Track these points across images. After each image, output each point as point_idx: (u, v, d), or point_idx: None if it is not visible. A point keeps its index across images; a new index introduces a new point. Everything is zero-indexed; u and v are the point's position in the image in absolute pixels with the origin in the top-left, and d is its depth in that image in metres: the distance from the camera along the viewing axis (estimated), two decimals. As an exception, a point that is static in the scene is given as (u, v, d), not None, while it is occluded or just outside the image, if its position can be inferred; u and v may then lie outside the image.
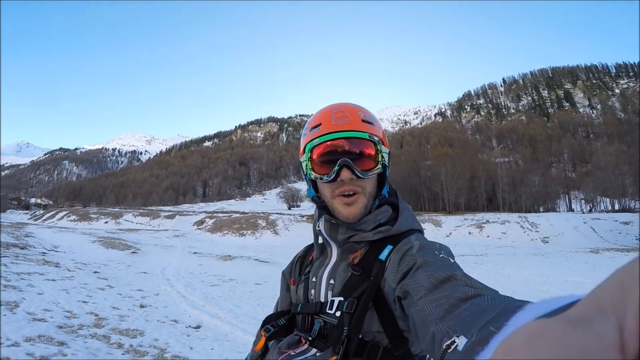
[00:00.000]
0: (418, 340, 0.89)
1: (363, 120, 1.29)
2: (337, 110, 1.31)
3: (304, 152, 1.33)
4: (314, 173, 1.29)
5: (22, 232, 28.35)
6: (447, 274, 0.93)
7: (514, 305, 0.65)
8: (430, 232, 44.69)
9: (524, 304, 0.60)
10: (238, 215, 63.00)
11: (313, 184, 1.36)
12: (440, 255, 1.06)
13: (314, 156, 1.29)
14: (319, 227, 1.35)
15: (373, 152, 1.27)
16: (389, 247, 1.22)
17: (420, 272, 1.00)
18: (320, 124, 1.30)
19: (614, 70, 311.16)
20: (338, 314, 1.15)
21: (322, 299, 1.26)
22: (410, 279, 1.01)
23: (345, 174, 1.22)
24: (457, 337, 0.66)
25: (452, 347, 0.66)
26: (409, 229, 1.30)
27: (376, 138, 1.28)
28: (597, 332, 0.25)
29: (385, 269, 1.16)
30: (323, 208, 1.35)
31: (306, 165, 1.32)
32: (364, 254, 1.25)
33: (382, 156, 1.29)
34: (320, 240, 1.37)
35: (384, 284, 1.14)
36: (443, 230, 49.13)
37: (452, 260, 1.06)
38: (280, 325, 1.34)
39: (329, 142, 1.26)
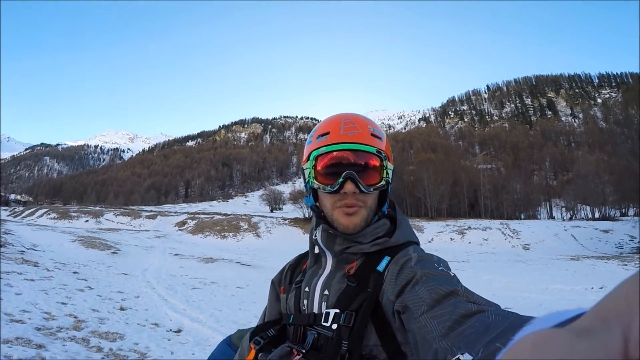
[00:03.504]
0: (419, 356, 0.87)
1: (372, 134, 1.27)
2: (347, 121, 1.29)
3: (308, 159, 1.31)
4: (316, 182, 1.27)
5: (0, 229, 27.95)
6: (448, 289, 0.91)
7: (520, 321, 0.64)
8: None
9: (529, 319, 0.59)
10: (220, 217, 62.80)
11: (313, 192, 1.34)
12: (440, 268, 1.05)
13: (319, 165, 1.27)
14: (315, 236, 1.33)
15: (378, 168, 1.26)
16: (386, 259, 1.20)
17: (421, 286, 0.98)
18: (328, 133, 1.28)
19: (597, 80, 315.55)
20: (334, 326, 1.13)
21: (316, 310, 1.24)
22: (410, 293, 0.99)
23: (349, 186, 1.21)
24: (462, 354, 0.65)
25: None
26: (407, 240, 1.28)
27: (383, 154, 1.27)
28: (602, 342, 0.25)
29: (384, 281, 1.14)
30: (321, 217, 1.33)
31: (309, 173, 1.29)
32: (360, 265, 1.23)
33: (387, 172, 1.28)
34: (317, 250, 1.35)
35: (382, 296, 1.11)
36: (425, 235, 49.28)
37: (452, 274, 1.04)
38: (269, 337, 1.32)
39: (335, 153, 1.24)
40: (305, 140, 1.39)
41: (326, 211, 1.30)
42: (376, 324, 1.10)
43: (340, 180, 1.21)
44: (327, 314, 1.17)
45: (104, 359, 5.58)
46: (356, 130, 1.26)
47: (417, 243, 1.32)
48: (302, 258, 1.52)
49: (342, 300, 1.17)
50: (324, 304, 1.22)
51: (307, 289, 1.31)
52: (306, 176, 1.32)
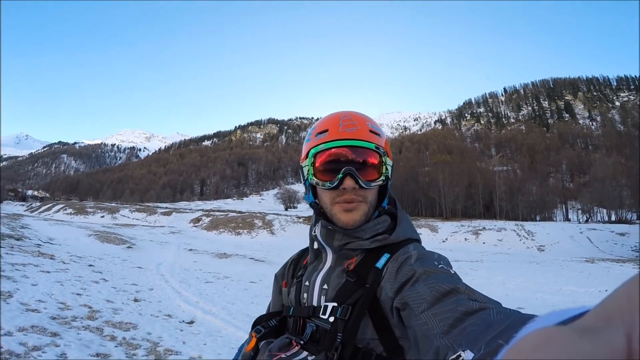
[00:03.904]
0: (419, 354, 0.87)
1: (370, 131, 1.27)
2: (346, 118, 1.28)
3: (307, 157, 1.30)
4: (315, 179, 1.27)
5: (17, 223, 28.33)
6: (449, 286, 0.90)
7: (522, 319, 0.64)
8: (427, 238, 44.61)
9: (531, 317, 0.59)
10: (235, 214, 63.24)
11: (312, 189, 1.34)
12: (440, 266, 1.04)
13: (317, 162, 1.26)
14: (315, 232, 1.33)
15: (377, 164, 1.26)
16: (386, 256, 1.19)
17: (421, 283, 0.97)
18: (326, 130, 1.27)
19: (615, 83, 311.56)
20: (331, 319, 1.13)
21: (315, 304, 1.25)
22: (410, 290, 0.98)
23: (348, 182, 1.20)
24: (463, 351, 0.65)
25: None
26: (407, 238, 1.28)
27: (382, 150, 1.27)
28: (605, 341, 0.25)
29: (382, 278, 1.13)
30: (320, 214, 1.33)
31: (308, 171, 1.29)
32: (359, 261, 1.23)
33: (386, 168, 1.28)
34: (316, 246, 1.35)
35: (380, 292, 1.11)
36: (439, 235, 49.28)
37: (452, 271, 1.04)
38: (271, 326, 1.34)
39: (334, 150, 1.24)
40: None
41: (325, 207, 1.30)
42: (374, 319, 1.10)
43: (340, 176, 1.21)
44: (325, 307, 1.17)
45: (117, 347, 5.63)
46: (354, 127, 1.26)
47: (418, 240, 1.32)
48: (303, 253, 1.52)
49: (340, 294, 1.17)
50: (322, 298, 1.23)
51: (307, 283, 1.32)
52: (305, 174, 1.32)
